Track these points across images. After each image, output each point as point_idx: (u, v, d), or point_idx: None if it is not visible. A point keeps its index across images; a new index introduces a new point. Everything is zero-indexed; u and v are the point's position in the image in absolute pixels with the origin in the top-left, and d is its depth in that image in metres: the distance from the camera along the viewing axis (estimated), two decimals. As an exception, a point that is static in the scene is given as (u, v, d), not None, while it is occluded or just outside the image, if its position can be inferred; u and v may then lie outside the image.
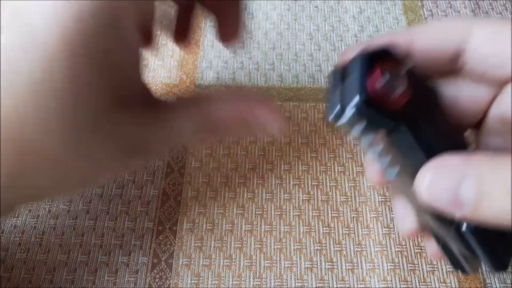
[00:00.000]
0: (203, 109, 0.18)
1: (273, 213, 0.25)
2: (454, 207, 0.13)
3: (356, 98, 0.14)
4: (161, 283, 0.23)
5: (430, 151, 0.14)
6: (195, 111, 0.18)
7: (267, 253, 0.23)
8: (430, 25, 0.18)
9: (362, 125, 0.14)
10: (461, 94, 0.17)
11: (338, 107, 0.14)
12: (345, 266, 0.23)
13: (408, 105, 0.14)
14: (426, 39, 0.17)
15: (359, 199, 0.25)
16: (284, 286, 0.23)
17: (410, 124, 0.14)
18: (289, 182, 0.25)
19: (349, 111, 0.14)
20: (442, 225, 0.15)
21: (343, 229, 0.24)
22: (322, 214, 0.24)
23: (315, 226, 0.24)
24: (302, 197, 0.25)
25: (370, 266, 0.23)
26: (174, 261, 0.23)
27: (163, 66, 0.29)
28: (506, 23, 0.15)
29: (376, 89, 0.14)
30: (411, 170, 0.14)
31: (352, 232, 0.24)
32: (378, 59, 0.15)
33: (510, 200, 0.12)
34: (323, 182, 0.25)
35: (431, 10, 0.32)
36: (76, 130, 0.15)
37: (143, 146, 0.17)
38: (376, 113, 0.14)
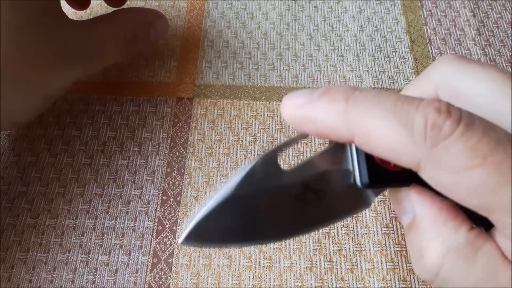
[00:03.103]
0: (117, 20, 0.24)
1: (272, 212, 0.25)
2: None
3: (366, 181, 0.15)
4: (160, 283, 0.23)
5: None
6: (112, 24, 0.24)
7: (266, 253, 0.23)
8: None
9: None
10: None
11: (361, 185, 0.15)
12: (344, 265, 0.23)
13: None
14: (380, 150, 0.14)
15: (358, 199, 0.25)
16: (284, 286, 0.23)
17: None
18: (289, 182, 0.25)
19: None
20: None
21: (343, 229, 0.24)
22: (321, 214, 0.24)
23: (314, 225, 0.24)
24: (302, 197, 0.25)
25: (369, 265, 0.23)
26: (174, 261, 0.23)
27: (163, 66, 0.29)
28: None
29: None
30: None
31: (351, 231, 0.24)
32: None
33: None
34: (322, 182, 0.25)
35: (430, 10, 0.32)
36: (14, 32, 0.19)
37: (72, 50, 0.22)
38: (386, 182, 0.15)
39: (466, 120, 0.12)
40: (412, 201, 0.15)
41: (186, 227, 0.14)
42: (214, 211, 0.14)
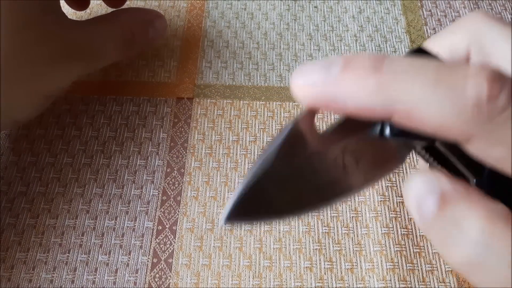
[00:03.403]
0: (115, 20, 0.24)
1: (272, 212, 0.25)
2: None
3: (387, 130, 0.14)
4: (160, 283, 0.23)
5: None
6: (111, 23, 0.24)
7: (266, 253, 0.23)
8: None
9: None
10: None
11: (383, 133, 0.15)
12: (344, 265, 0.23)
13: None
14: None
15: (358, 198, 0.25)
16: (284, 286, 0.23)
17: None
18: (289, 182, 0.25)
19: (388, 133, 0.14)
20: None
21: (342, 229, 0.24)
22: (321, 214, 0.24)
23: (314, 225, 0.24)
24: (302, 197, 0.25)
25: (369, 265, 0.23)
26: (173, 261, 0.23)
27: (163, 66, 0.30)
28: None
29: None
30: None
31: (351, 231, 0.24)
32: None
33: None
34: (322, 182, 0.25)
35: (430, 11, 0.32)
36: (14, 31, 0.19)
37: (71, 49, 0.22)
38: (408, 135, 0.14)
39: None
40: (437, 178, 0.13)
41: (227, 206, 0.13)
42: (254, 185, 0.14)
